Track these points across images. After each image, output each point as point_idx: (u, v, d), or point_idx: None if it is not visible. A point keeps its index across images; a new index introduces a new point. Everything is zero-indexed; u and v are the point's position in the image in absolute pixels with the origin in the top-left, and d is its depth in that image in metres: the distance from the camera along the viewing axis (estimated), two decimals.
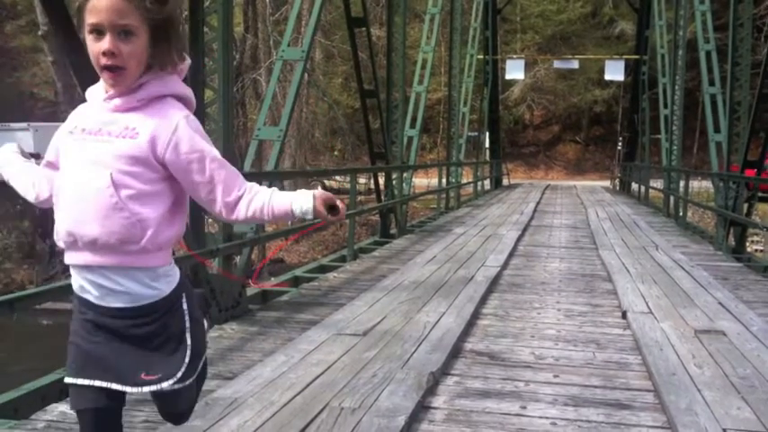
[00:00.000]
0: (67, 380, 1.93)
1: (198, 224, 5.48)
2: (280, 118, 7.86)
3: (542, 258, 9.23)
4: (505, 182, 31.67)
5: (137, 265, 1.87)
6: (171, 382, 1.92)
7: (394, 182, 12.01)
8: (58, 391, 3.99)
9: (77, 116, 1.96)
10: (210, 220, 5.71)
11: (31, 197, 2.04)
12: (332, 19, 29.42)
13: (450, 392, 3.91)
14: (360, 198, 14.20)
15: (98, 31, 1.80)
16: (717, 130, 13.33)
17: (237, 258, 6.24)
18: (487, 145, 29.48)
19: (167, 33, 1.85)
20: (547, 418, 3.57)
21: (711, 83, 14.29)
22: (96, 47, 1.81)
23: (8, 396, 3.83)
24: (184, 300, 1.98)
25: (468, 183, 22.22)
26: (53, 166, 1.99)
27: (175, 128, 1.85)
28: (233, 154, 5.99)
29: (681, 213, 14.51)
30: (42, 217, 24.13)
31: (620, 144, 33.19)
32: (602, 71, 31.63)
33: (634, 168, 26.07)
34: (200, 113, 5.55)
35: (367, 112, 10.89)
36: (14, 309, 3.70)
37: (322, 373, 3.97)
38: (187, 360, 1.94)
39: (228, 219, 1.94)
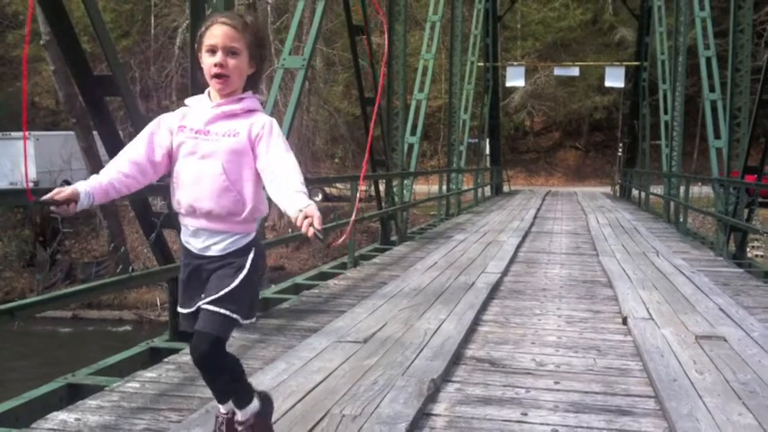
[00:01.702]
0: (178, 309, 2.65)
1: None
2: (281, 126, 7.87)
3: (543, 265, 9.23)
4: (506, 188, 31.66)
5: (235, 231, 2.54)
6: (205, 300, 2.51)
7: (394, 189, 12.02)
8: (59, 399, 4.00)
9: (185, 118, 2.55)
10: None
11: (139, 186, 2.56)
12: (333, 27, 29.51)
13: (451, 399, 3.91)
14: (360, 205, 14.22)
15: (212, 51, 2.47)
16: (717, 135, 13.34)
17: None
18: (488, 152, 29.49)
19: (258, 60, 2.55)
20: (548, 424, 3.57)
21: (712, 89, 14.31)
22: (210, 60, 2.47)
23: (9, 404, 3.83)
24: (251, 255, 2.58)
25: (469, 189, 22.23)
26: (153, 142, 2.54)
27: (263, 125, 2.50)
28: None
29: (681, 219, 14.51)
30: (43, 225, 24.19)
31: (620, 150, 33.21)
32: (602, 78, 31.64)
33: (634, 174, 26.07)
34: None
35: (368, 119, 10.90)
36: (15, 317, 3.70)
37: (323, 381, 3.97)
38: (226, 290, 2.49)
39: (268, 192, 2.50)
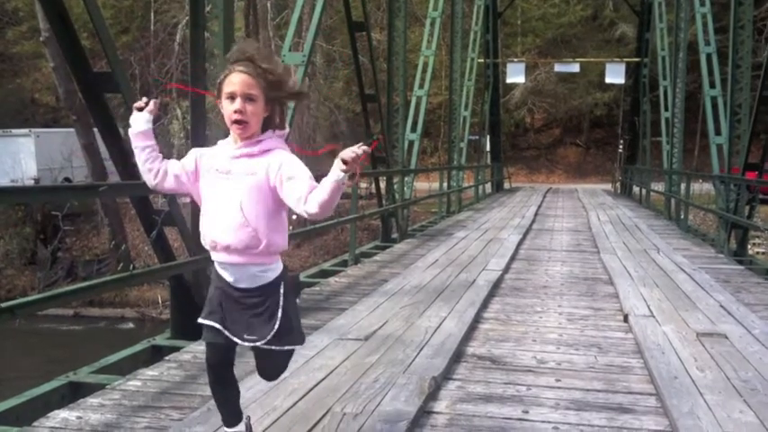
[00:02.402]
0: (200, 320, 2.79)
1: (199, 231, 5.48)
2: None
3: (544, 262, 9.23)
4: (507, 185, 31.65)
5: (255, 262, 2.71)
6: (261, 342, 2.73)
7: (395, 186, 12.01)
8: (60, 398, 4.00)
9: (212, 158, 2.76)
10: None
11: (149, 181, 2.84)
12: (333, 23, 29.48)
13: (452, 397, 3.91)
14: (361, 203, 14.21)
15: (232, 97, 2.65)
16: (718, 132, 13.32)
17: None
18: (488, 149, 29.46)
19: (274, 104, 2.73)
20: (549, 422, 3.57)
21: (712, 85, 14.29)
22: (230, 107, 2.65)
23: (10, 403, 3.83)
24: (282, 286, 2.78)
25: (470, 187, 22.22)
26: (183, 178, 2.79)
27: (281, 163, 2.65)
28: None
29: (682, 216, 14.51)
30: (44, 223, 24.19)
31: (620, 147, 33.15)
32: (602, 74, 31.56)
33: (635, 171, 26.06)
34: (201, 119, 5.57)
35: (368, 116, 10.89)
36: (16, 315, 3.70)
37: (324, 378, 3.97)
38: (275, 328, 2.72)
39: (310, 213, 2.61)
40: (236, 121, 2.65)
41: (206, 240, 2.74)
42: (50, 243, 23.55)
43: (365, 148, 2.55)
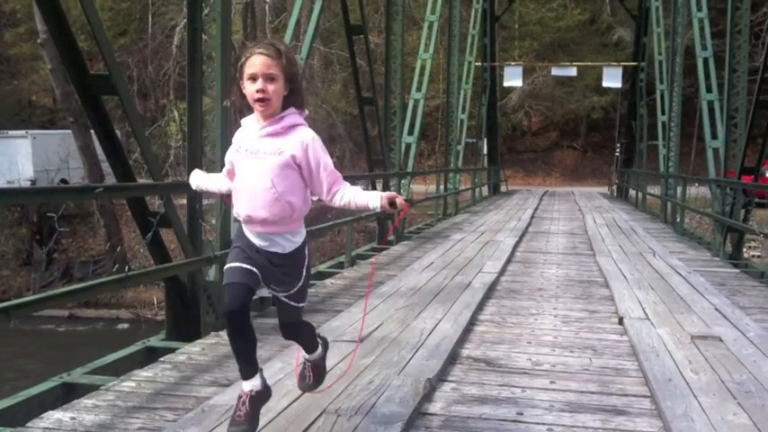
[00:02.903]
0: (227, 266, 2.96)
1: (195, 232, 5.49)
2: None
3: (540, 265, 9.24)
4: (503, 188, 31.65)
5: (288, 230, 2.96)
6: (284, 295, 3.03)
7: (392, 188, 12.02)
8: (54, 398, 4.00)
9: (240, 140, 2.96)
10: (208, 227, 5.73)
11: (223, 191, 3.16)
12: (330, 26, 29.51)
13: (447, 399, 3.92)
14: None
15: (253, 78, 2.82)
16: (714, 136, 13.36)
17: None
18: (485, 151, 29.47)
19: (294, 82, 2.90)
20: (543, 424, 3.58)
21: (709, 89, 14.32)
22: (252, 87, 2.83)
23: (4, 403, 3.83)
24: (306, 249, 3.06)
25: (466, 189, 22.23)
26: (230, 173, 3.03)
27: (306, 144, 2.88)
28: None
29: (678, 219, 14.52)
30: (40, 224, 24.15)
31: (617, 150, 33.13)
32: (599, 78, 31.61)
33: (632, 175, 26.08)
34: (199, 121, 5.57)
35: (365, 118, 10.90)
36: (11, 316, 3.69)
37: None
38: (299, 285, 3.03)
39: (330, 204, 2.97)
40: (258, 100, 2.83)
41: (241, 215, 2.95)
42: (46, 244, 23.50)
43: (401, 205, 2.89)
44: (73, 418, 3.53)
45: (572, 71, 32.45)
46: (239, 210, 2.95)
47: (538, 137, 45.91)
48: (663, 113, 19.99)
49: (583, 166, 43.37)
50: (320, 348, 3.37)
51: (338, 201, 2.94)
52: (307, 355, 3.36)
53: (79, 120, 21.73)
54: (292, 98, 2.92)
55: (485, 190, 26.40)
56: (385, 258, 9.75)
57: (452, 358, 4.66)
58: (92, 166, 22.48)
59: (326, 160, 2.92)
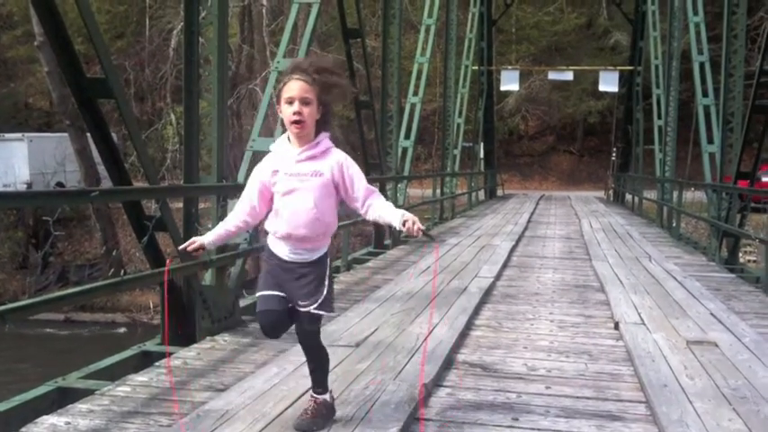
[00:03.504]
0: (259, 293, 3.27)
1: (191, 236, 5.47)
2: (275, 129, 7.87)
3: (536, 269, 9.24)
4: (500, 192, 31.67)
5: (319, 246, 3.25)
6: (310, 308, 3.20)
7: (388, 192, 12.02)
8: (49, 403, 3.98)
9: (274, 164, 3.21)
10: (203, 231, 5.71)
11: (240, 225, 3.36)
12: (328, 30, 29.51)
13: (443, 404, 3.91)
14: None
15: (290, 102, 3.10)
16: (710, 140, 13.37)
17: (231, 270, 6.24)
18: (482, 155, 29.50)
19: (326, 106, 3.19)
20: (539, 429, 3.58)
21: (705, 94, 14.33)
22: (289, 110, 3.10)
23: None
24: (327, 260, 3.30)
25: (463, 193, 22.23)
26: (260, 194, 3.25)
27: (341, 164, 3.19)
28: (226, 165, 5.99)
29: (674, 224, 14.54)
30: (35, 227, 24.11)
31: (614, 155, 33.15)
32: (596, 82, 31.62)
33: (628, 179, 26.12)
34: (195, 125, 5.57)
35: (362, 122, 10.90)
36: (6, 320, 3.68)
37: None
38: (322, 298, 3.22)
39: (364, 216, 3.27)
40: (294, 122, 3.11)
41: (280, 232, 3.21)
42: (42, 248, 23.47)
43: (421, 230, 3.15)
44: (68, 423, 3.52)
45: (568, 75, 32.47)
46: (278, 228, 3.21)
47: (534, 141, 45.95)
48: (659, 118, 20.02)
49: (579, 171, 43.41)
50: (328, 395, 3.43)
51: (371, 214, 3.24)
52: (314, 393, 3.41)
53: (76, 123, 21.74)
54: (323, 121, 3.21)
55: (481, 194, 26.42)
56: (381, 262, 9.75)
57: (448, 363, 4.66)
58: (88, 169, 22.49)
59: (360, 176, 3.23)
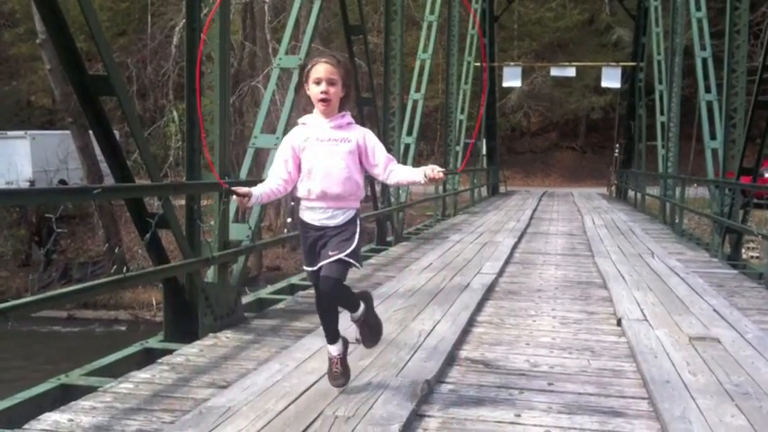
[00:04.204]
0: (305, 268, 3.70)
1: (193, 233, 5.48)
2: (277, 126, 7.86)
3: (538, 266, 9.24)
4: (502, 189, 31.64)
5: (350, 206, 3.62)
6: (342, 255, 3.51)
7: (390, 189, 12.00)
8: (52, 400, 3.99)
9: (305, 133, 3.58)
10: (206, 228, 5.72)
11: (283, 193, 3.67)
12: (329, 26, 29.47)
13: (445, 400, 3.92)
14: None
15: (318, 82, 3.50)
16: (713, 136, 13.34)
17: (233, 267, 6.24)
18: (484, 152, 29.46)
19: (348, 87, 3.61)
20: (541, 426, 3.58)
21: (708, 90, 14.30)
22: (317, 89, 3.51)
23: (2, 405, 3.82)
24: (358, 220, 3.65)
25: (465, 190, 22.22)
26: (288, 162, 3.59)
27: (365, 134, 3.63)
28: (229, 161, 5.99)
29: (677, 220, 14.52)
30: (38, 225, 24.12)
31: (616, 151, 33.12)
32: (599, 78, 31.55)
33: (630, 175, 26.07)
34: (197, 122, 5.56)
35: (364, 119, 10.88)
36: (8, 317, 3.69)
37: (316, 382, 3.97)
38: (353, 247, 3.55)
39: (386, 182, 3.72)
40: (321, 100, 3.50)
41: (314, 192, 3.54)
42: (45, 245, 23.47)
43: (442, 175, 3.51)
44: (70, 420, 3.53)
45: (571, 71, 32.39)
46: (312, 187, 3.54)
47: (537, 137, 45.92)
48: (662, 114, 19.98)
49: (582, 167, 43.37)
50: (362, 306, 3.84)
51: (393, 178, 3.64)
52: (354, 315, 3.84)
53: (78, 120, 21.72)
54: (345, 99, 3.61)
55: (484, 191, 26.39)
56: (383, 259, 9.75)
57: (450, 360, 4.66)
58: (91, 166, 22.47)
59: (381, 145, 3.65)
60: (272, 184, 3.62)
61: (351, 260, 3.54)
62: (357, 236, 3.59)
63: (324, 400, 3.66)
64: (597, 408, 3.85)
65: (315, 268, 3.59)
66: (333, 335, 3.76)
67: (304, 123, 3.63)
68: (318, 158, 3.54)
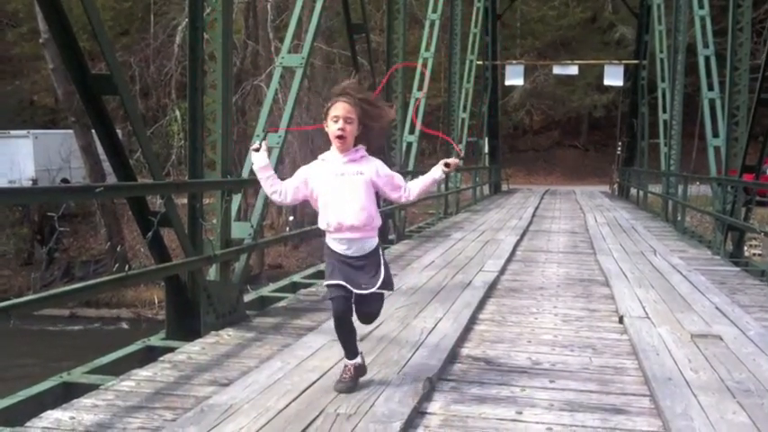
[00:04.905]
0: (326, 282, 3.86)
1: (195, 231, 5.49)
2: (279, 125, 7.87)
3: (540, 263, 9.24)
4: (504, 187, 31.62)
5: (367, 236, 3.80)
6: (372, 289, 3.78)
7: None
8: (54, 398, 4.00)
9: (325, 165, 3.81)
10: (208, 227, 5.73)
11: (276, 200, 3.94)
12: (332, 25, 29.46)
13: (447, 398, 3.92)
14: None
15: (336, 120, 3.72)
16: (715, 134, 13.32)
17: (235, 265, 6.25)
18: (486, 150, 29.43)
19: (365, 126, 3.78)
20: (543, 423, 3.58)
21: (710, 87, 14.28)
22: (334, 126, 3.73)
23: (4, 403, 3.83)
24: (381, 250, 3.89)
25: (467, 188, 22.21)
26: (298, 188, 3.84)
27: (377, 166, 3.83)
28: (231, 161, 6.00)
29: (679, 218, 14.50)
30: (41, 223, 24.16)
31: (619, 149, 33.09)
32: (601, 76, 31.51)
33: (633, 173, 26.04)
34: (200, 121, 5.57)
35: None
36: (11, 316, 3.69)
37: (318, 379, 3.98)
38: (381, 280, 3.80)
39: (409, 199, 3.99)
40: (338, 137, 3.73)
41: (332, 224, 3.75)
42: (47, 244, 23.50)
43: (458, 160, 3.93)
44: (72, 418, 3.54)
45: (573, 70, 32.39)
46: (329, 219, 3.76)
47: (539, 135, 45.90)
48: (664, 112, 19.94)
49: (584, 165, 43.33)
50: (359, 358, 3.93)
51: (414, 192, 3.94)
52: (348, 361, 3.91)
53: (81, 119, 21.75)
54: (360, 136, 3.79)
55: (486, 189, 26.38)
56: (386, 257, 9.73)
57: (452, 357, 4.66)
58: (93, 165, 22.50)
59: (392, 173, 3.89)
60: (280, 183, 3.86)
61: (384, 291, 3.86)
62: (383, 267, 3.82)
63: (325, 398, 3.66)
64: (599, 405, 3.85)
65: (339, 282, 3.75)
66: (352, 351, 3.90)
67: (323, 160, 3.82)
68: (333, 192, 3.75)
